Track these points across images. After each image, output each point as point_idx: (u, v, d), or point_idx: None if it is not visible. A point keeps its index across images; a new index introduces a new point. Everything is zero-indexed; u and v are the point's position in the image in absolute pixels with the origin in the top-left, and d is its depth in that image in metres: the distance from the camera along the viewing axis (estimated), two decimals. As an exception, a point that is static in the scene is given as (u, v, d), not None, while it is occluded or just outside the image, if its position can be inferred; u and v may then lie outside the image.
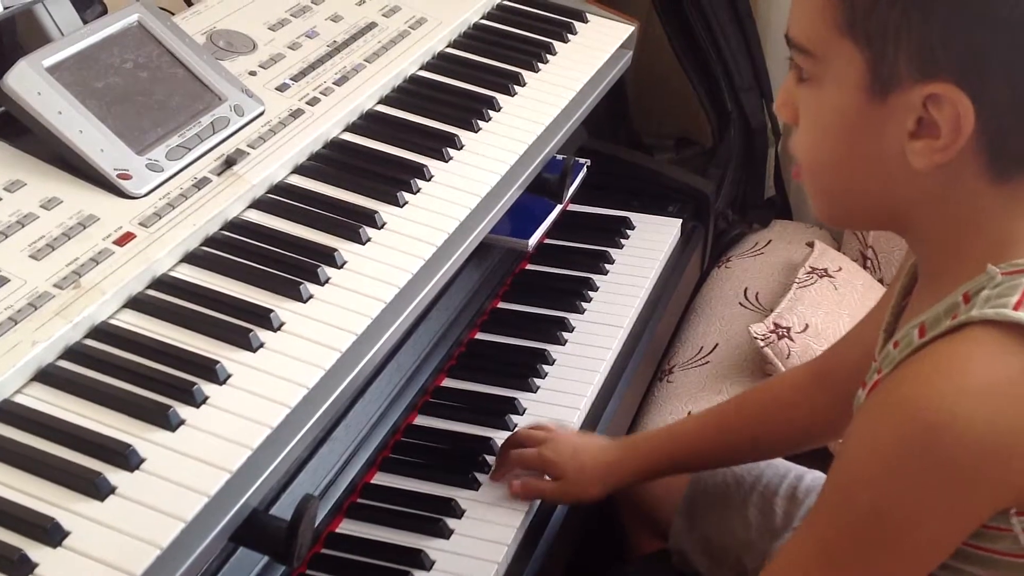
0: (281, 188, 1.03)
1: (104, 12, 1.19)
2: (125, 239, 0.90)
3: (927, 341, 0.75)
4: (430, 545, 1.05)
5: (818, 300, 1.53)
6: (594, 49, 1.39)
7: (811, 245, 1.67)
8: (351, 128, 1.13)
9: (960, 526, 0.75)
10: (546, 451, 1.12)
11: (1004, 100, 0.72)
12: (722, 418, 1.15)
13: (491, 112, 1.20)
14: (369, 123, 1.15)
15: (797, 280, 1.57)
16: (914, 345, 0.76)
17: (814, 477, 1.15)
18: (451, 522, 1.08)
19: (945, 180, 0.75)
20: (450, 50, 1.30)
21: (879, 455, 0.74)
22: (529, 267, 1.47)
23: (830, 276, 1.59)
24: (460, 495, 1.11)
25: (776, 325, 1.46)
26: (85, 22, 1.11)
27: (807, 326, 1.47)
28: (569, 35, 1.39)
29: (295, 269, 0.93)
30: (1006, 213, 0.76)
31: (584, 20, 1.43)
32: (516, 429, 1.17)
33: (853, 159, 0.77)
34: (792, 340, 1.45)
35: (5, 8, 1.02)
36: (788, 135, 1.80)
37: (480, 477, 1.13)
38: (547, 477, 1.12)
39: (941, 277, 0.79)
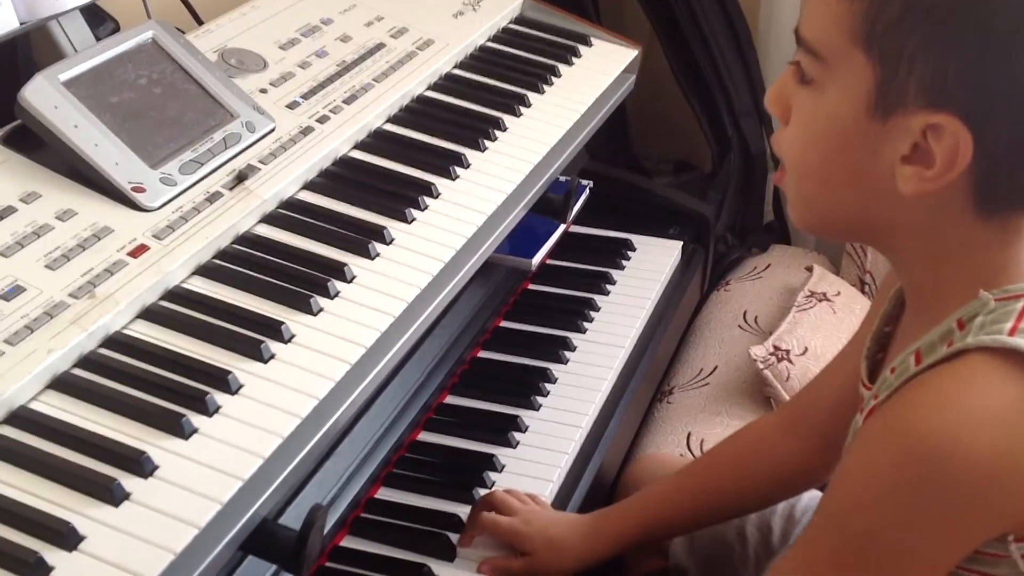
0: (291, 203, 1.04)
1: (117, 30, 1.21)
2: (139, 251, 0.91)
3: (924, 368, 0.76)
4: (433, 560, 1.06)
5: (817, 324, 1.55)
6: (598, 72, 1.41)
7: (810, 270, 1.69)
8: (360, 146, 1.15)
9: (954, 551, 0.75)
10: (518, 522, 1.07)
11: (1004, 142, 0.71)
12: (693, 479, 1.13)
13: (497, 132, 1.22)
14: (377, 141, 1.16)
15: (796, 304, 1.58)
16: (911, 372, 0.77)
17: (811, 496, 1.15)
18: (454, 537, 1.08)
19: (931, 208, 0.75)
20: (457, 71, 1.32)
21: (876, 480, 0.75)
22: (531, 287, 1.48)
23: (829, 300, 1.60)
24: (462, 511, 1.12)
25: (776, 348, 1.47)
26: (98, 39, 1.13)
27: (806, 349, 1.49)
28: (574, 58, 1.41)
29: (305, 283, 0.94)
30: (993, 243, 0.76)
31: (588, 44, 1.45)
32: (492, 491, 1.12)
33: (840, 171, 0.77)
34: (791, 363, 1.46)
35: (21, 24, 1.03)
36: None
37: (483, 492, 1.14)
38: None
39: (931, 303, 0.79)
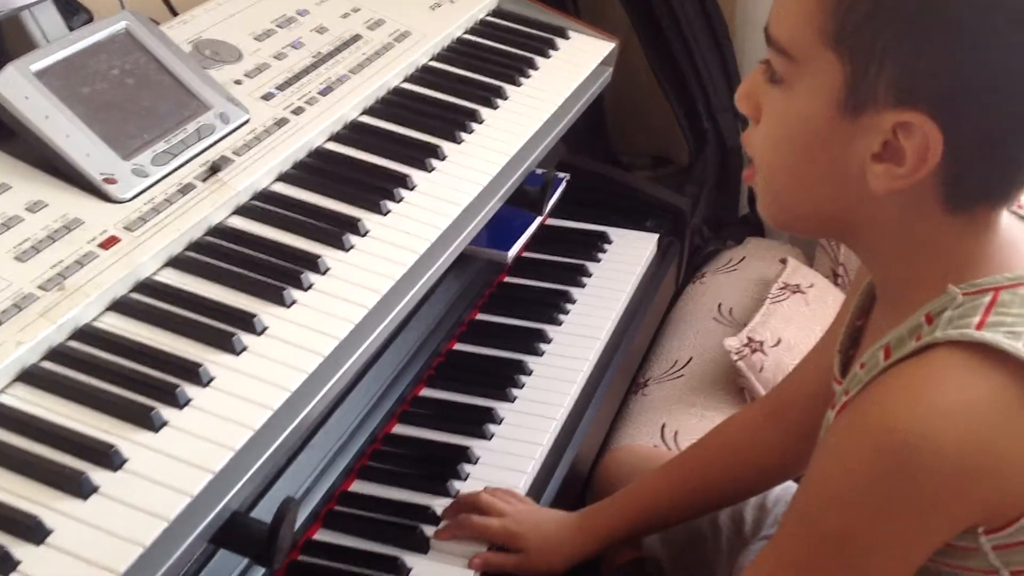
0: (265, 195, 1.04)
1: (90, 20, 1.20)
2: (110, 243, 0.90)
3: (893, 363, 0.76)
4: (407, 553, 1.06)
5: (790, 315, 1.56)
6: (575, 65, 1.41)
7: (784, 262, 1.69)
8: (335, 138, 1.14)
9: (926, 544, 0.76)
10: (509, 523, 1.07)
11: (974, 139, 0.72)
12: (679, 471, 1.13)
13: (474, 124, 1.22)
14: (353, 133, 1.16)
15: (770, 296, 1.59)
16: (880, 367, 0.77)
17: (784, 487, 1.16)
18: (428, 529, 1.08)
19: (901, 204, 0.75)
20: (434, 63, 1.32)
21: (848, 476, 0.75)
22: (507, 279, 1.48)
23: (802, 292, 1.61)
24: (437, 503, 1.12)
25: (750, 339, 1.48)
26: (71, 29, 1.12)
27: (780, 340, 1.49)
28: (551, 51, 1.41)
29: (279, 274, 0.94)
30: (963, 237, 0.76)
31: (566, 36, 1.45)
32: (474, 492, 1.11)
33: (811, 169, 0.77)
34: (765, 354, 1.47)
35: (-8, 13, 1.02)
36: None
37: (457, 485, 1.14)
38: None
39: (900, 297, 0.79)
